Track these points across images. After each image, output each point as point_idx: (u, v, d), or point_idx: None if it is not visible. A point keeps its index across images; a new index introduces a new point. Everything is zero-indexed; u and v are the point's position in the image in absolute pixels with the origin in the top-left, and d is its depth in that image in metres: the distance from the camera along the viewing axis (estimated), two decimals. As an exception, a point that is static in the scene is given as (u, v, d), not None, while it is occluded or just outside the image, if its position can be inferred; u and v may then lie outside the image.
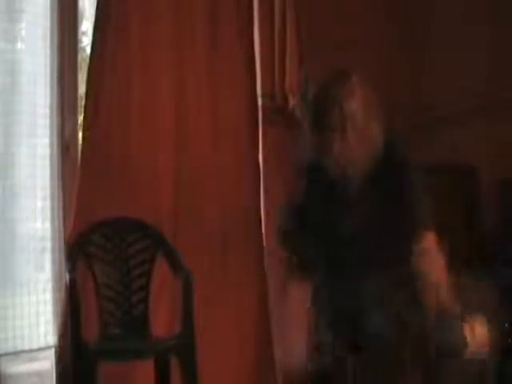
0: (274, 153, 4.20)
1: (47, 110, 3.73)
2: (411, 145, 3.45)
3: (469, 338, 2.45)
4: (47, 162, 3.73)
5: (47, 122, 3.73)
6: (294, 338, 2.70)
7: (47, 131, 3.74)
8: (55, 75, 3.74)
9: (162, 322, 3.68)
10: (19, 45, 3.74)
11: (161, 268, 3.60)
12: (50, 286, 3.69)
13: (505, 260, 3.76)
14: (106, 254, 3.54)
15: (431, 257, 2.50)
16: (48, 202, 3.71)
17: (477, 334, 2.46)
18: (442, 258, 2.50)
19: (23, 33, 3.75)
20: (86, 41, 4.43)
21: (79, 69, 3.92)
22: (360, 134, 2.37)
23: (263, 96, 4.21)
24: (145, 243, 3.59)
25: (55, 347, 3.62)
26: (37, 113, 3.71)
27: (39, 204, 3.71)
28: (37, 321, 3.64)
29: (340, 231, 2.54)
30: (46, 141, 3.74)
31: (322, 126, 2.38)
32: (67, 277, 3.26)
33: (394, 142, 2.52)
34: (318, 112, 2.41)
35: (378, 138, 2.42)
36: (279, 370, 3.99)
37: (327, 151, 2.39)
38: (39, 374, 3.72)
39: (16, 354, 3.60)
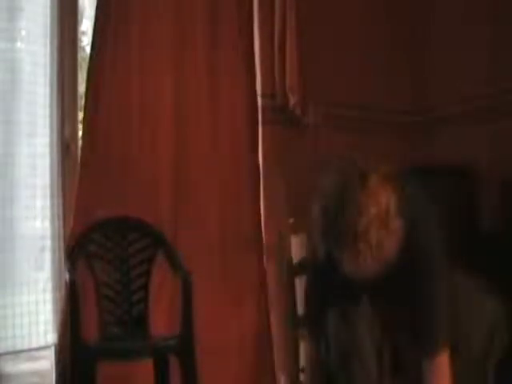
0: (274, 153, 4.20)
1: (47, 110, 3.73)
2: (411, 145, 3.45)
3: None
4: (47, 161, 3.73)
5: (47, 121, 3.73)
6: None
7: (47, 130, 3.73)
8: (55, 74, 3.74)
9: (162, 322, 3.67)
10: (19, 44, 3.73)
11: (160, 267, 3.59)
12: (49, 285, 3.68)
13: (504, 260, 3.76)
14: (106, 253, 3.53)
15: None
16: (48, 201, 3.71)
17: None
18: None
19: (23, 32, 3.75)
20: (85, 40, 4.45)
21: (79, 68, 3.92)
22: (374, 251, 2.10)
23: (263, 96, 4.21)
24: (145, 242, 3.59)
25: (55, 346, 3.61)
26: (37, 112, 3.71)
27: (39, 203, 3.71)
28: (36, 320, 3.63)
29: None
30: (46, 140, 3.73)
31: (332, 240, 2.14)
32: (67, 276, 3.26)
33: (414, 245, 2.22)
34: (327, 225, 2.13)
35: (394, 248, 2.14)
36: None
37: (337, 263, 2.16)
38: (39, 373, 3.73)
39: (15, 353, 3.61)
